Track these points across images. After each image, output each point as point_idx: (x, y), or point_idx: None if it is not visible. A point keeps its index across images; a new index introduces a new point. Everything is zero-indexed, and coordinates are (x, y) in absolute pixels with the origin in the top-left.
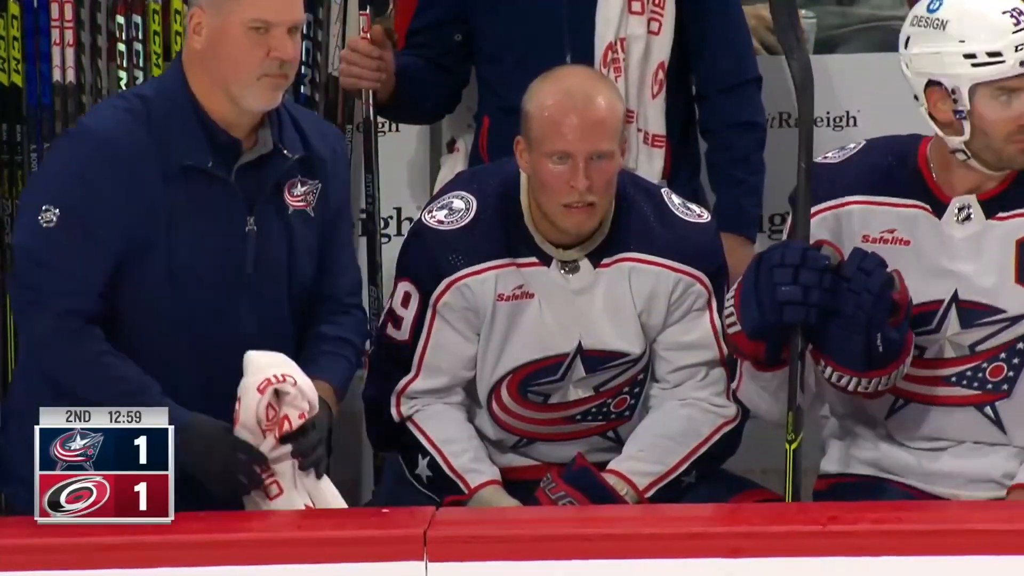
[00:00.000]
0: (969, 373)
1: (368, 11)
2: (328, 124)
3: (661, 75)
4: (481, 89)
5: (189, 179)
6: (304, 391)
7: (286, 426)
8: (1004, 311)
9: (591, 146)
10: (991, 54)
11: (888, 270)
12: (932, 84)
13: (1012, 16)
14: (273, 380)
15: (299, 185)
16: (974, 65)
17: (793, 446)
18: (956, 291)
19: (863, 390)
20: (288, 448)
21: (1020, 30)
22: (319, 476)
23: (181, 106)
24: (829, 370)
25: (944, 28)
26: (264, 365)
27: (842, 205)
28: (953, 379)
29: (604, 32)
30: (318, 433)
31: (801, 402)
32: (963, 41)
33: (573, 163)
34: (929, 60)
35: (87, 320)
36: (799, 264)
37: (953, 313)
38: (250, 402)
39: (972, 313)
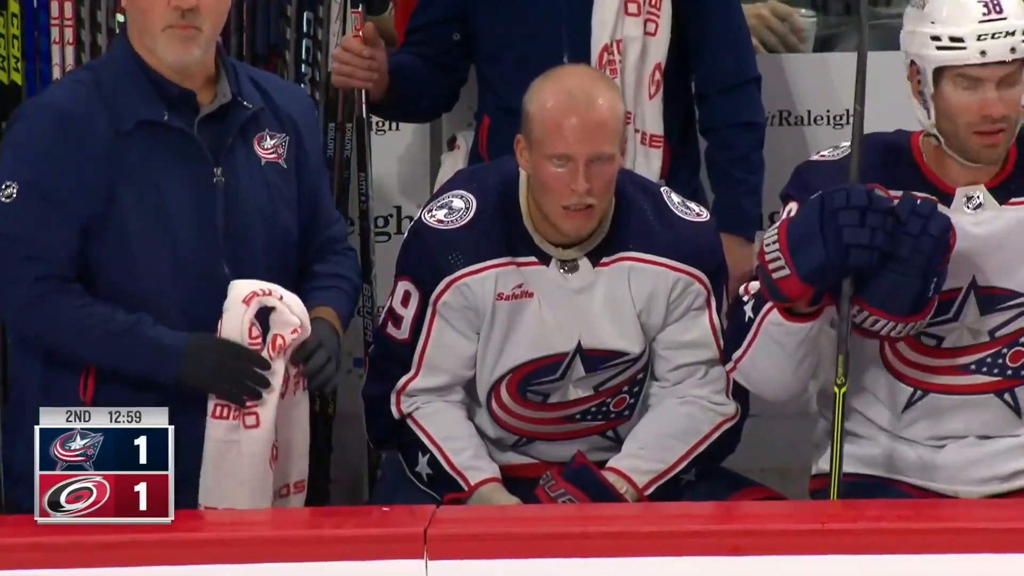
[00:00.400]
0: (989, 360)
1: (360, 9)
2: (292, 83)
3: (658, 76)
4: (481, 88)
5: (148, 135)
6: (291, 306)
7: (279, 342)
8: (1023, 295)
9: (592, 149)
10: (953, 39)
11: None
12: (912, 64)
13: (985, 5)
14: (259, 292)
15: (268, 138)
16: (938, 48)
17: (842, 390)
18: (974, 278)
19: (896, 334)
20: (277, 381)
21: (988, 20)
22: (329, 390)
23: (129, 67)
24: (865, 314)
25: (923, 8)
26: (249, 284)
27: None
28: (972, 367)
29: (600, 34)
30: (326, 352)
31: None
32: (933, 23)
33: (573, 166)
34: (908, 39)
35: (62, 281)
36: (866, 206)
37: (972, 300)
38: (234, 315)
39: (991, 299)
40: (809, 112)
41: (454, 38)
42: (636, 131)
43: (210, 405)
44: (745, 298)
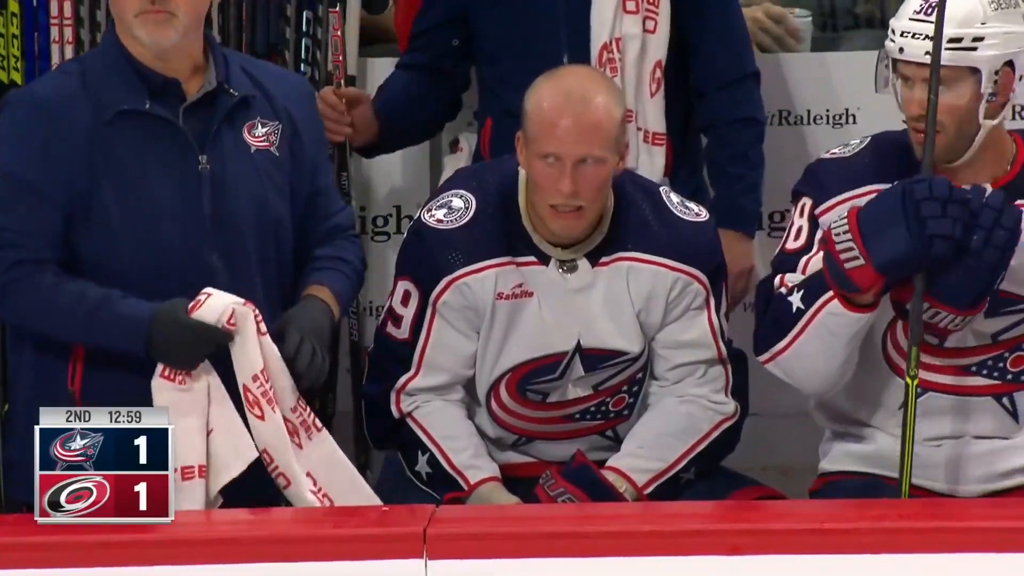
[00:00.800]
0: (990, 363)
1: (338, 8)
2: (290, 72)
3: (659, 73)
4: (482, 91)
5: (130, 124)
6: (258, 347)
7: (251, 396)
8: None
9: (582, 150)
10: (892, 30)
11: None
12: None
13: (924, 5)
14: (256, 317)
15: (259, 126)
16: (888, 38)
17: (915, 382)
18: None
19: (952, 328)
20: (283, 435)
21: (916, 20)
22: (320, 382)
23: (114, 58)
24: (925, 305)
25: None
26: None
27: (867, 194)
28: (974, 368)
29: (599, 32)
30: (308, 344)
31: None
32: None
33: (561, 165)
34: None
35: (37, 263)
36: (948, 198)
37: None
38: (221, 298)
39: (997, 302)
40: (809, 112)
41: (453, 43)
42: (638, 129)
43: (159, 366)
44: (783, 290)
